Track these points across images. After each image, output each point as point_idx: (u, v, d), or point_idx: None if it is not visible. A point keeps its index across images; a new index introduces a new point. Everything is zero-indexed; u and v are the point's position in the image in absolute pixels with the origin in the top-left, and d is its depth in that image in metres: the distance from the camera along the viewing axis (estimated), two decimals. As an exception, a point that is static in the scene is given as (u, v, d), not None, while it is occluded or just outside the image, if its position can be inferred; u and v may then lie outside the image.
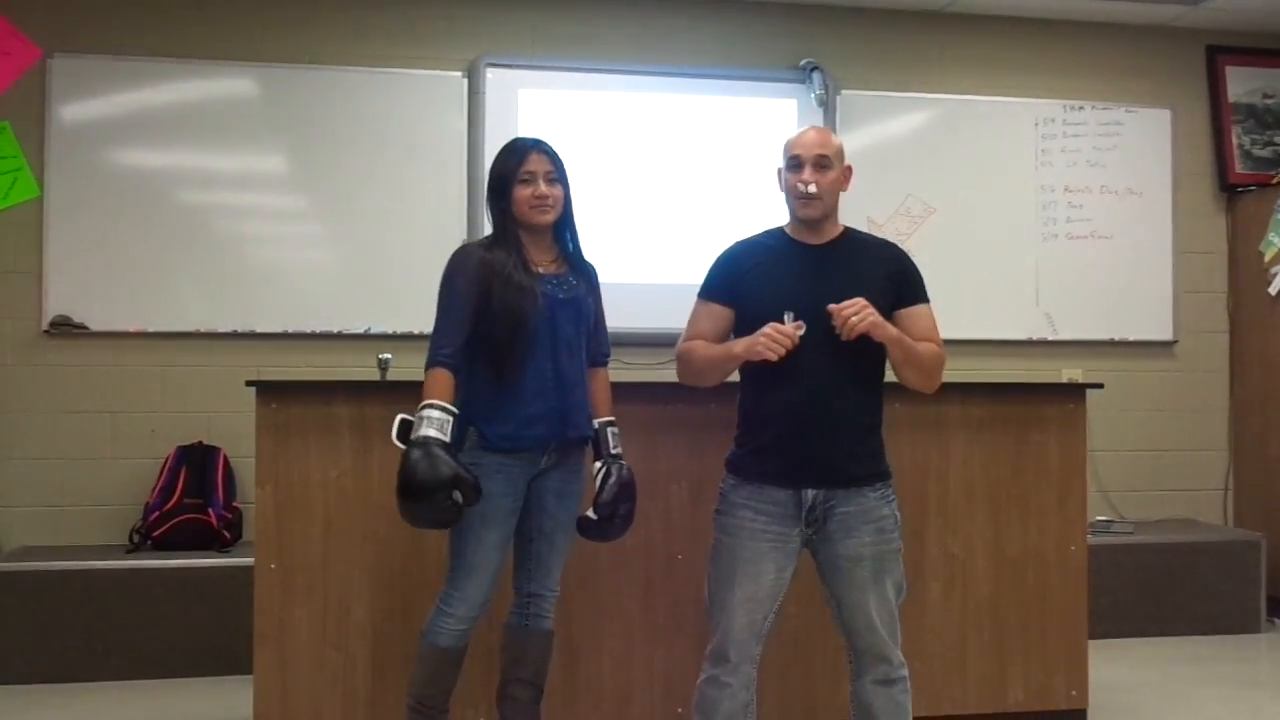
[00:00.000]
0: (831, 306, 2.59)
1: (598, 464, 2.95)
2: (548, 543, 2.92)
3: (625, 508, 2.92)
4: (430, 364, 2.76)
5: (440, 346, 2.78)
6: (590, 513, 2.91)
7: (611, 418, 3.00)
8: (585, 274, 2.98)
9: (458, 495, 2.62)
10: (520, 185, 2.85)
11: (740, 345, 2.69)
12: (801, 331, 2.59)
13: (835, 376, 2.66)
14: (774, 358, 2.59)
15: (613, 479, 2.90)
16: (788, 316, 2.61)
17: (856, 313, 2.57)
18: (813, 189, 2.71)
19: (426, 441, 2.63)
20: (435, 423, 2.66)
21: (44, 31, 4.71)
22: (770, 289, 2.72)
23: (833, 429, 2.66)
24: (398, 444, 2.67)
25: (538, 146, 2.89)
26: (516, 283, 2.80)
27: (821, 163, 2.73)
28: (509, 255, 2.83)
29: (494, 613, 2.91)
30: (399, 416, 2.70)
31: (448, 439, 2.67)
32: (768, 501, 2.69)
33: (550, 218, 2.88)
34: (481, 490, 2.67)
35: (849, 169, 2.81)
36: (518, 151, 2.89)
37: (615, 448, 2.96)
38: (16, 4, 4.69)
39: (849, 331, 2.57)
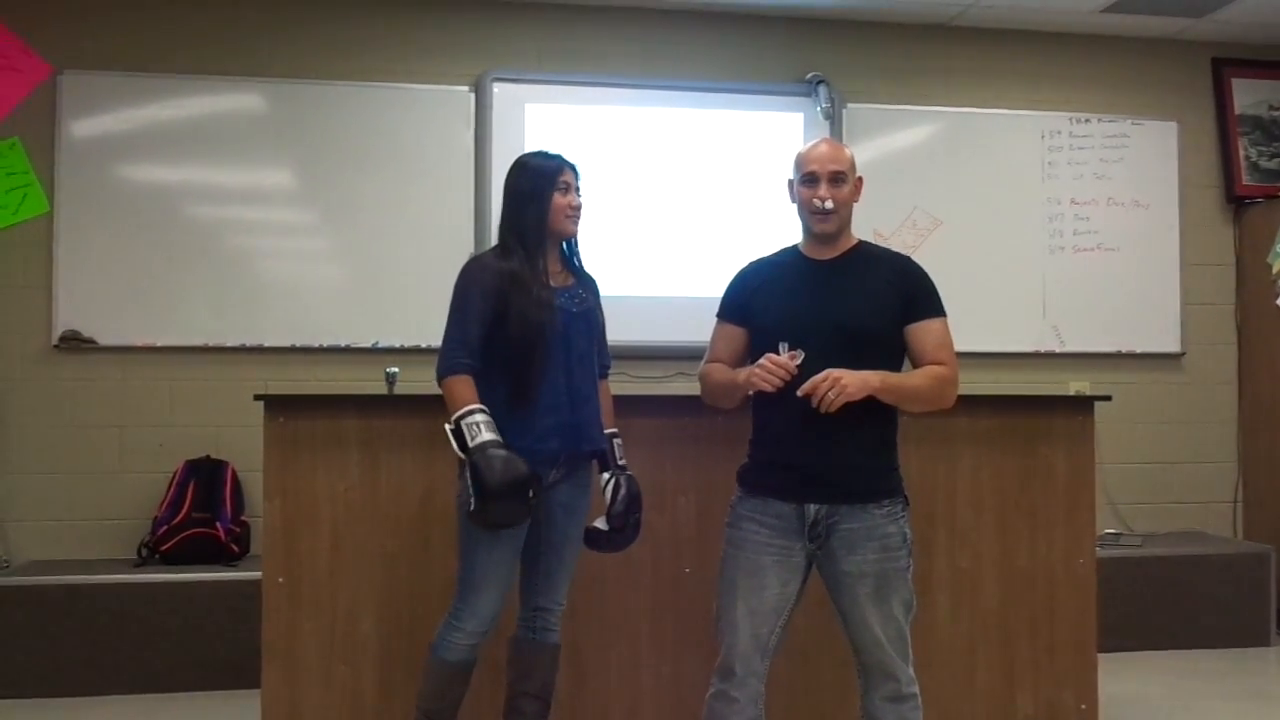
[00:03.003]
0: (803, 389, 2.55)
1: (605, 475, 2.96)
2: (555, 556, 2.93)
3: (635, 518, 2.95)
4: (450, 371, 2.78)
5: (457, 354, 2.79)
6: (601, 524, 2.92)
7: (615, 429, 3.02)
8: (590, 286, 3.02)
9: (529, 491, 2.70)
10: (558, 193, 2.90)
11: (742, 375, 2.70)
12: (799, 361, 2.59)
13: None
14: (770, 389, 2.59)
15: (623, 490, 2.93)
16: (783, 347, 2.61)
17: (830, 387, 2.54)
18: (829, 205, 2.71)
19: (491, 445, 2.68)
20: (489, 425, 2.72)
21: (53, 48, 4.75)
22: (777, 307, 2.73)
23: (836, 445, 2.64)
24: (461, 454, 2.71)
25: (565, 160, 2.96)
26: (535, 296, 2.82)
27: (837, 178, 2.73)
28: (526, 267, 2.85)
29: (501, 626, 2.90)
30: (448, 427, 2.74)
31: (501, 439, 2.71)
32: (771, 515, 2.68)
33: (576, 229, 2.96)
34: (544, 483, 2.80)
35: (860, 180, 2.81)
36: (552, 164, 2.93)
37: (621, 459, 2.98)
38: (27, 21, 4.73)
39: (828, 407, 2.54)
